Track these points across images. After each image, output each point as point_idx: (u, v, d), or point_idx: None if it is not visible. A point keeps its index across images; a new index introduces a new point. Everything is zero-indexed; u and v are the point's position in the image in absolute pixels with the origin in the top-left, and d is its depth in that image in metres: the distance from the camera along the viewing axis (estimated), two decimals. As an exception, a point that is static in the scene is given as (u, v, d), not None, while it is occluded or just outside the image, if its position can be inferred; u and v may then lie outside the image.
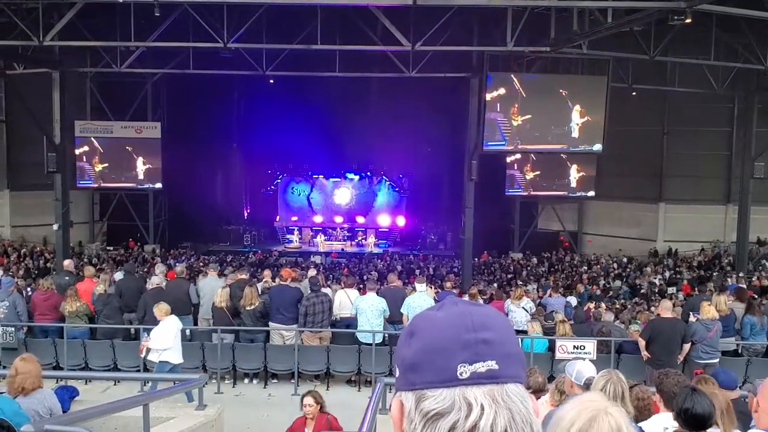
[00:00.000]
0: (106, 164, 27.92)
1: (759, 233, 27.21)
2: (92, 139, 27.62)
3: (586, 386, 4.84)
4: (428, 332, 1.07)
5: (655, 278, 24.17)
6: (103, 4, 17.38)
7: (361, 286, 13.49)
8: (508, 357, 1.05)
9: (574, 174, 28.73)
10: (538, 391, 5.53)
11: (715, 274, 24.23)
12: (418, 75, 21.55)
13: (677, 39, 20.22)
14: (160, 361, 9.55)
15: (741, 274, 21.76)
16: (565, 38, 16.87)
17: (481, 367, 1.03)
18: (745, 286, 16.14)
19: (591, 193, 29.14)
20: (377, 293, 11.56)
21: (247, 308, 10.90)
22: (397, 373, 1.11)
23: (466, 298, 12.79)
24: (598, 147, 22.38)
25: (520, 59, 21.96)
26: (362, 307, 10.92)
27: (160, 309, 9.67)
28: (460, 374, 1.02)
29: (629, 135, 27.37)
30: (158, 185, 28.77)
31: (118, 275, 12.70)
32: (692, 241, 29.35)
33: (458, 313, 1.08)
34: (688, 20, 13.00)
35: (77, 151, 27.10)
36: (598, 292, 21.74)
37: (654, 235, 30.23)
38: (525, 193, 29.96)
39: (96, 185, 28.56)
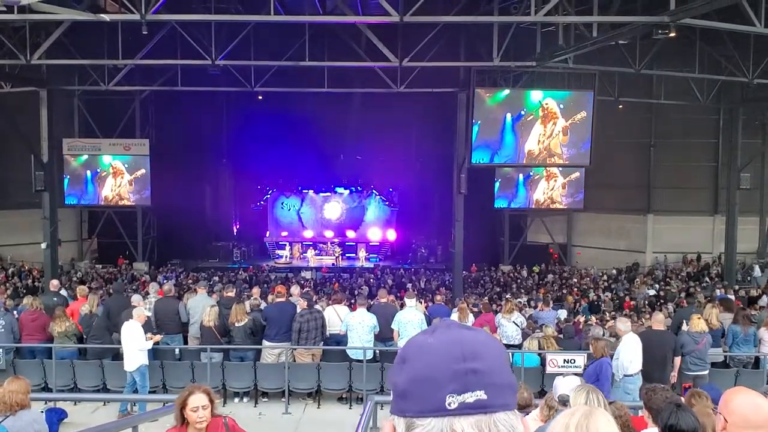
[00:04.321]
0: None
1: (746, 243, 27.40)
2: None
3: (561, 401, 4.89)
4: (419, 360, 1.09)
5: (648, 290, 24.21)
6: (91, 22, 17.42)
7: (353, 301, 13.46)
8: (498, 387, 1.07)
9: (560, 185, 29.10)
10: (525, 407, 5.55)
11: (703, 285, 24.32)
12: (406, 90, 21.67)
13: (662, 52, 20.46)
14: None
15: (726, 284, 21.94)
16: (551, 53, 17.01)
17: (469, 397, 1.04)
18: (732, 296, 16.22)
19: (579, 206, 29.48)
20: (368, 309, 11.54)
21: (236, 325, 10.85)
22: (391, 396, 1.13)
23: (456, 312, 12.80)
24: (585, 161, 22.51)
25: (507, 74, 22.12)
26: (352, 324, 10.90)
27: None
28: (449, 404, 1.04)
29: (616, 147, 27.58)
30: (147, 202, 28.72)
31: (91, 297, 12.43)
32: (681, 252, 29.53)
33: (449, 340, 1.09)
34: (672, 34, 13.16)
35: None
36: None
37: (643, 247, 30.37)
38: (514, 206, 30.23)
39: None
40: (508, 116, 21.19)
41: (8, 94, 22.81)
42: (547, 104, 21.39)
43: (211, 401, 4.42)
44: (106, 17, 12.21)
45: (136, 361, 9.89)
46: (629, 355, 9.40)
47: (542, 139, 21.48)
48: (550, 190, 29.26)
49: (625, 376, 9.29)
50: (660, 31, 12.96)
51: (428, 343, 1.10)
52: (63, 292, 14.61)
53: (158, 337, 10.45)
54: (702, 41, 20.15)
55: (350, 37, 19.37)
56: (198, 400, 4.34)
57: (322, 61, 20.03)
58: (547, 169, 27.89)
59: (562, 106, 21.42)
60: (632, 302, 21.72)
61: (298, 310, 11.00)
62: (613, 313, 18.79)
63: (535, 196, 29.50)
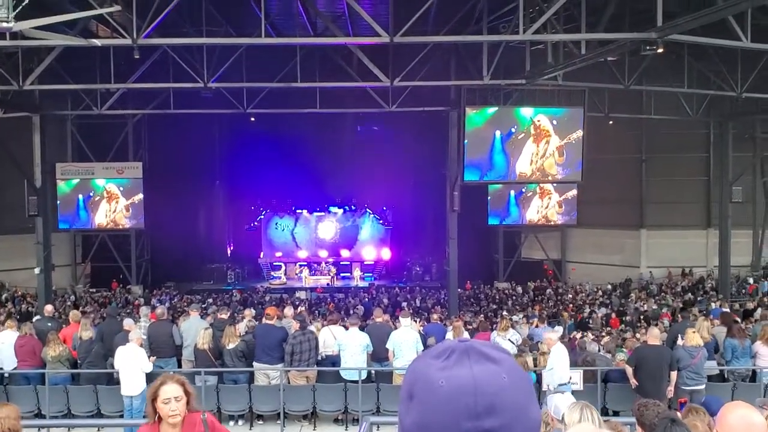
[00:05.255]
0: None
1: (740, 257, 27.48)
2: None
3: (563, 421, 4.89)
4: (426, 404, 0.98)
5: (643, 305, 24.19)
6: (83, 47, 17.46)
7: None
8: None
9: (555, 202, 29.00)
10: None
11: (698, 299, 24.32)
12: (398, 109, 21.77)
13: (651, 68, 20.65)
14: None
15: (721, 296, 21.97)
16: (540, 70, 17.13)
17: None
18: (728, 310, 16.22)
19: (573, 221, 29.46)
20: (364, 329, 11.53)
21: (228, 347, 10.82)
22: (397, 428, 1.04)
23: (451, 331, 12.76)
24: (577, 178, 22.50)
25: (497, 92, 22.23)
26: (345, 344, 10.87)
27: None
28: None
29: (608, 163, 27.69)
30: (140, 225, 28.59)
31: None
32: (675, 266, 29.59)
33: (462, 385, 0.97)
34: (660, 50, 13.26)
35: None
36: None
37: (637, 262, 30.42)
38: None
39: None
40: (497, 134, 21.12)
41: (0, 119, 22.81)
42: (539, 121, 21.35)
43: (187, 393, 4.00)
44: (97, 42, 12.24)
45: (140, 384, 9.85)
46: (561, 366, 9.57)
47: (535, 159, 21.41)
48: (545, 208, 28.94)
49: (559, 385, 9.45)
50: (648, 48, 13.04)
51: (438, 386, 0.97)
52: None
53: (153, 359, 10.47)
54: (690, 56, 20.33)
55: (341, 57, 19.49)
56: (170, 390, 3.90)
57: (314, 81, 20.13)
58: (541, 186, 27.76)
59: (555, 122, 21.40)
60: (627, 317, 21.69)
61: (291, 331, 10.97)
62: (608, 329, 18.79)
63: (528, 214, 29.04)
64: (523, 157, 21.37)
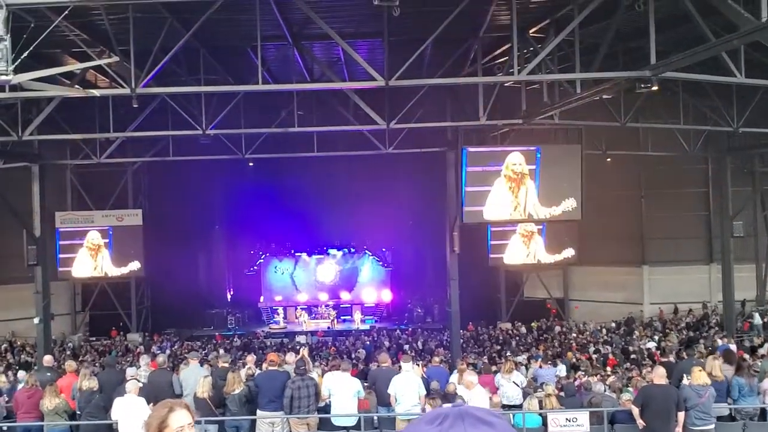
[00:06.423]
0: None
1: (744, 291, 27.30)
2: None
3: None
4: None
5: (647, 343, 23.90)
6: (82, 96, 17.60)
7: (354, 363, 13.28)
8: None
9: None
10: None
11: (704, 335, 24.05)
12: (395, 151, 21.86)
13: (647, 105, 20.75)
14: None
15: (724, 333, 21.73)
16: (537, 110, 17.23)
17: None
18: (734, 347, 16.03)
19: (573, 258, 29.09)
20: (367, 373, 11.39)
21: (232, 394, 10.66)
22: None
23: (456, 374, 12.56)
24: (576, 216, 22.16)
25: (494, 132, 22.32)
26: (335, 389, 10.70)
27: None
28: None
29: (608, 200, 27.65)
30: (140, 272, 28.34)
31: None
32: (678, 302, 29.37)
33: None
34: (655, 88, 13.34)
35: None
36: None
37: (640, 298, 30.23)
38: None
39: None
40: (486, 171, 20.57)
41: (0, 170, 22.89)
42: (520, 164, 20.20)
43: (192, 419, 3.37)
44: (96, 92, 12.33)
45: None
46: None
47: (520, 201, 20.48)
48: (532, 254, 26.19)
49: None
50: (642, 85, 13.12)
51: None
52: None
53: (152, 406, 10.27)
54: (685, 93, 20.46)
55: (338, 101, 19.63)
56: (182, 417, 3.25)
57: (311, 126, 20.23)
58: (525, 229, 25.67)
59: (542, 161, 20.35)
60: (632, 355, 21.41)
61: (292, 376, 10.82)
62: (610, 369, 18.52)
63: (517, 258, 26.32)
64: (506, 200, 20.36)
